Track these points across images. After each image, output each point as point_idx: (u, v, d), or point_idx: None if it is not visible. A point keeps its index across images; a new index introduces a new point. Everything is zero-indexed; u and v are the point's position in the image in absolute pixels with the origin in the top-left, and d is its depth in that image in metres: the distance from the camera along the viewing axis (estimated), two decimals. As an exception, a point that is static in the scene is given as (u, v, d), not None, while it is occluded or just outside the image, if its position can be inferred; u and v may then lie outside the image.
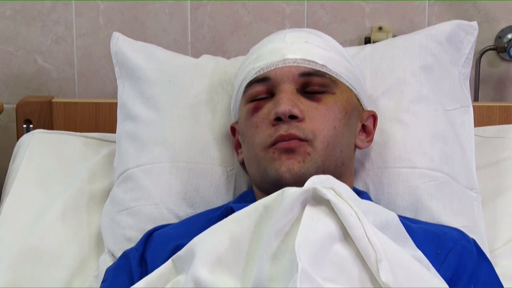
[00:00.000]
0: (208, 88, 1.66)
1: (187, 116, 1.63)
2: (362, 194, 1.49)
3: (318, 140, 1.42)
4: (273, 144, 1.42)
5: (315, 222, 1.16)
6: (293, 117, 1.41)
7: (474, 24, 1.70)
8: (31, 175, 1.77)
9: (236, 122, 1.57)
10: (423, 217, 1.54)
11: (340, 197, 1.19)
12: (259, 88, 1.48)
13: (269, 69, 1.47)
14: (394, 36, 2.07)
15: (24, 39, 2.19)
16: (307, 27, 2.08)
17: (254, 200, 1.44)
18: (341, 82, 1.49)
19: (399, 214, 1.38)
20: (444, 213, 1.55)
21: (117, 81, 1.73)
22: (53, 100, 1.99)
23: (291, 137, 1.41)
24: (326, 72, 1.47)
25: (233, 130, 1.58)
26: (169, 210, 1.58)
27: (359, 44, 2.12)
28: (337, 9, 2.13)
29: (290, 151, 1.41)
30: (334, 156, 1.44)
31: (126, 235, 1.59)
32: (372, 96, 1.62)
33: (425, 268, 1.22)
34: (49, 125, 1.96)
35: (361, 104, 1.54)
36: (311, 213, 1.17)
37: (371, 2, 2.12)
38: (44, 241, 1.65)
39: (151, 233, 1.51)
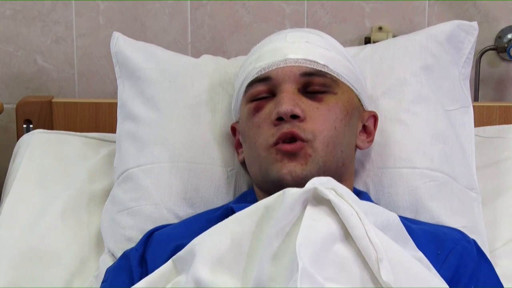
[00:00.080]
0: (208, 88, 1.65)
1: (187, 116, 1.63)
2: (362, 195, 1.49)
3: (318, 140, 1.42)
4: (276, 143, 1.42)
5: (316, 222, 1.16)
6: (294, 116, 1.41)
7: (474, 24, 1.70)
8: (31, 175, 1.77)
9: (237, 122, 1.56)
10: (423, 217, 1.54)
11: (341, 197, 1.19)
12: (260, 88, 1.48)
13: (270, 69, 1.47)
14: (394, 36, 2.07)
15: (24, 39, 2.19)
16: (307, 27, 2.09)
17: (255, 200, 1.44)
18: (342, 82, 1.49)
19: (399, 214, 1.38)
20: (444, 213, 1.55)
21: (117, 81, 1.73)
22: (53, 100, 1.98)
23: (293, 135, 1.41)
24: (328, 72, 1.47)
25: (233, 130, 1.58)
26: (169, 210, 1.58)
27: (359, 44, 2.12)
28: (337, 9, 2.13)
29: (292, 154, 1.41)
30: (335, 156, 1.44)
31: (126, 235, 1.59)
32: (372, 96, 1.62)
33: (426, 269, 1.22)
34: (49, 125, 1.96)
35: (362, 105, 1.53)
36: (312, 213, 1.17)
37: (371, 2, 2.12)
38: (44, 241, 1.65)
39: (152, 233, 1.50)
